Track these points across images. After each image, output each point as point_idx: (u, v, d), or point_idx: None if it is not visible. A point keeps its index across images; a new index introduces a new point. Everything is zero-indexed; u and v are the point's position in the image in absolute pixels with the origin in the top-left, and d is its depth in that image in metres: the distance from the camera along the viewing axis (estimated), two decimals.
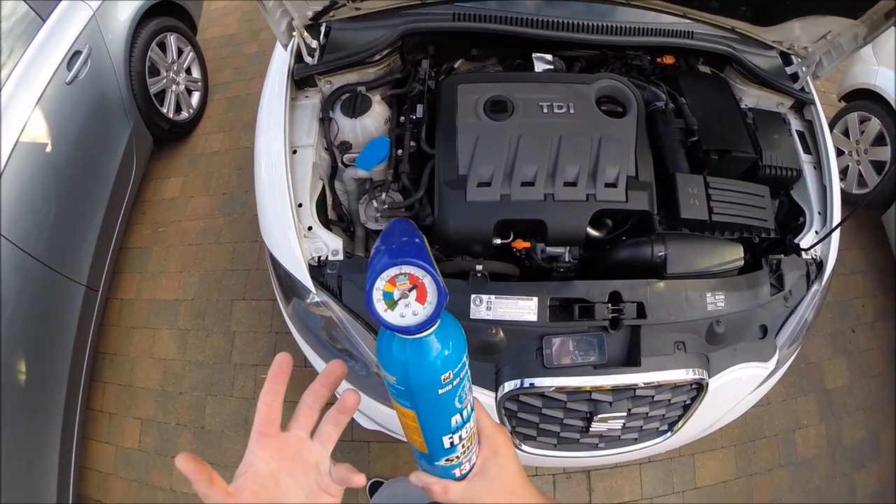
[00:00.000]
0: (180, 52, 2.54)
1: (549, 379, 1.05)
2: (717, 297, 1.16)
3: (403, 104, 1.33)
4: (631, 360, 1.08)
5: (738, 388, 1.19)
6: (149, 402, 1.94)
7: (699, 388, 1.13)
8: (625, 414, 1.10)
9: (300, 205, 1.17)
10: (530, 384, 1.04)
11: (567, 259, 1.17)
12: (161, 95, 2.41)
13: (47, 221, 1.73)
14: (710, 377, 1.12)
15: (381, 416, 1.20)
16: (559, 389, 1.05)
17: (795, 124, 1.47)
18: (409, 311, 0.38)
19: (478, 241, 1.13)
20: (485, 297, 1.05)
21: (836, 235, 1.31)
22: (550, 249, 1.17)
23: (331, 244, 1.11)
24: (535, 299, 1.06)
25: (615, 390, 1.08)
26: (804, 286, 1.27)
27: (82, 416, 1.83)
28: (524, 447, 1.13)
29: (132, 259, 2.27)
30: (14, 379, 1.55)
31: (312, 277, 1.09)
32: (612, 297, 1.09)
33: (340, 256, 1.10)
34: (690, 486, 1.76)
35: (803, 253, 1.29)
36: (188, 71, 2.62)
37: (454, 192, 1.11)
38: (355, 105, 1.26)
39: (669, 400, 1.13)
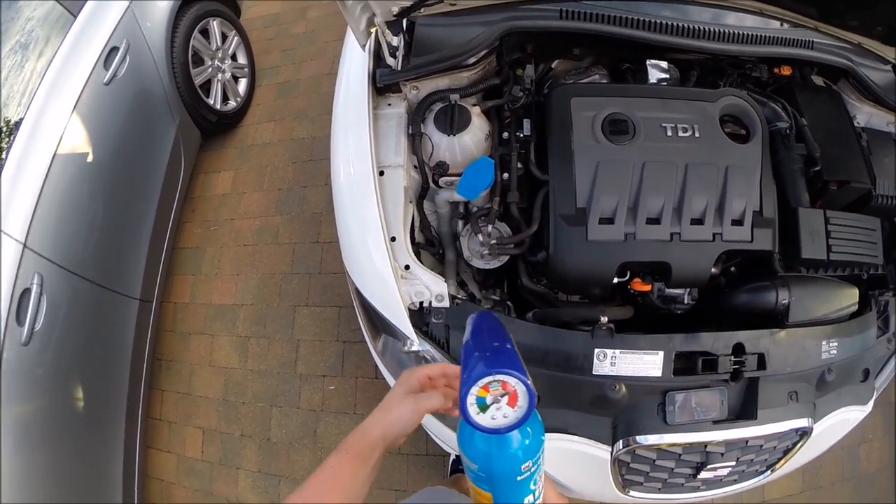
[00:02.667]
0: (224, 37, 2.18)
1: (669, 436, 0.92)
2: (831, 344, 1.02)
3: (504, 117, 1.09)
4: (747, 412, 0.96)
5: (838, 430, 1.10)
6: (210, 412, 1.78)
7: (804, 433, 1.01)
8: (734, 463, 0.99)
9: (393, 238, 0.96)
10: (650, 442, 0.91)
11: (686, 301, 1.01)
12: (206, 86, 2.09)
13: (92, 236, 1.53)
14: (815, 422, 1.01)
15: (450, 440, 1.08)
16: (677, 445, 0.92)
17: None
18: (499, 414, 0.39)
19: (597, 285, 0.95)
20: (609, 353, 0.89)
21: None
22: (669, 290, 0.99)
23: (433, 287, 0.92)
24: (661, 354, 0.90)
25: (728, 442, 0.95)
26: None
27: (143, 424, 1.70)
28: (631, 493, 1.02)
29: (184, 260, 2.02)
30: (72, 407, 1.41)
31: (413, 325, 0.90)
32: (735, 349, 0.94)
33: (446, 303, 0.91)
34: (758, 500, 1.67)
35: None
36: (233, 57, 2.26)
37: (574, 230, 0.92)
38: (453, 119, 1.02)
39: (775, 446, 1.01)
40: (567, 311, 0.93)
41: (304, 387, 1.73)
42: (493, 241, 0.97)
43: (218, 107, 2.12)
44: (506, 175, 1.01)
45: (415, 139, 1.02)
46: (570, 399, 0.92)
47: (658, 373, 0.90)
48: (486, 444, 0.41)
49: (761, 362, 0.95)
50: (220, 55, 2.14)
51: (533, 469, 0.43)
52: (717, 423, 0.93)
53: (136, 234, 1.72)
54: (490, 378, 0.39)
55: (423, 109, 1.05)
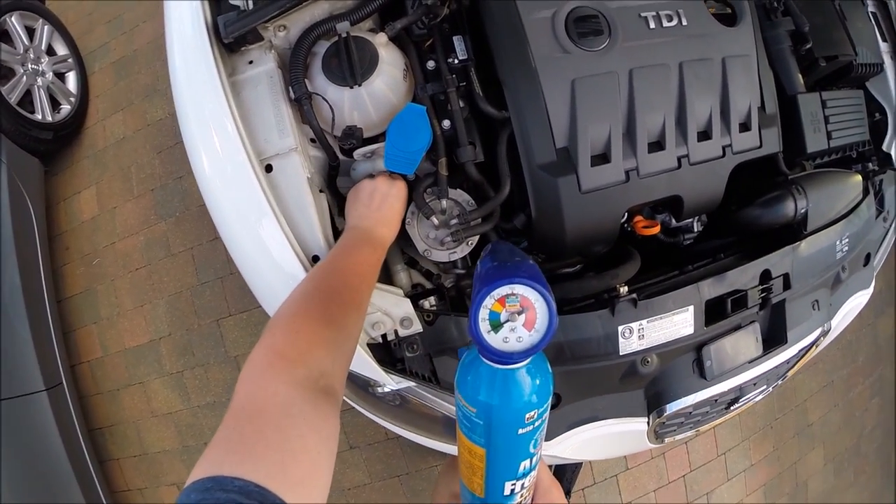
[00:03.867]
0: (31, 31, 1.58)
1: (707, 391, 0.76)
2: (843, 242, 0.88)
3: (421, 38, 0.73)
4: (778, 338, 0.82)
5: (849, 318, 1.00)
6: (175, 464, 1.49)
7: (824, 334, 0.91)
8: (765, 387, 0.87)
9: (315, 258, 0.64)
10: (689, 403, 0.74)
11: (695, 229, 0.81)
12: (27, 99, 1.55)
13: None
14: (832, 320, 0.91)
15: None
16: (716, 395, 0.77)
17: (870, 4, 1.09)
18: (513, 337, 0.32)
19: (600, 241, 0.71)
20: (635, 326, 0.67)
21: None
22: (676, 223, 0.79)
23: (395, 311, 0.63)
24: (691, 308, 0.71)
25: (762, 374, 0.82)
26: None
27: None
28: (666, 440, 0.88)
29: (77, 310, 1.59)
30: None
31: (381, 363, 0.62)
32: (762, 276, 0.77)
33: (417, 326, 0.63)
34: None
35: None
36: (50, 51, 1.65)
37: (561, 182, 0.66)
38: (351, 61, 0.65)
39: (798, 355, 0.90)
40: (573, 285, 0.69)
41: None
42: (455, 220, 0.67)
43: (49, 119, 1.57)
44: (447, 123, 0.69)
45: (302, 105, 0.65)
46: (596, 387, 0.72)
47: (690, 330, 0.71)
48: (491, 382, 0.34)
49: (786, 282, 0.79)
50: (31, 56, 1.56)
51: (537, 424, 0.36)
52: (753, 361, 0.79)
53: (6, 314, 1.32)
54: (508, 289, 0.32)
55: (303, 57, 0.67)
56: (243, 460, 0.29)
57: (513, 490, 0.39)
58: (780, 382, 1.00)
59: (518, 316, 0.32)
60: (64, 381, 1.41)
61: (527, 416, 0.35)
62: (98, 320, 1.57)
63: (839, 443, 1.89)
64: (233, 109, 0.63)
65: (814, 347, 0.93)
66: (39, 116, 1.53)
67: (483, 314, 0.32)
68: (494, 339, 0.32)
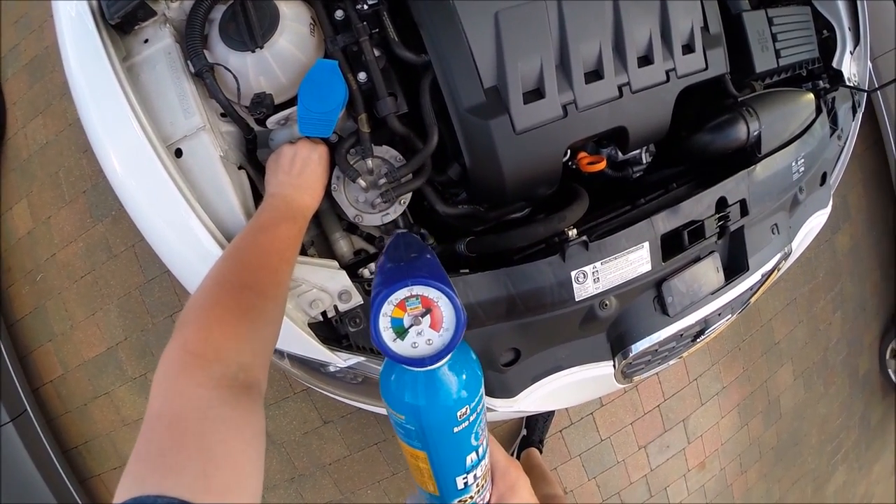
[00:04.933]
0: None
1: (671, 326, 0.70)
2: (799, 162, 0.81)
3: None
4: (739, 265, 0.76)
5: (809, 237, 0.95)
6: None
7: (785, 257, 0.86)
8: (731, 315, 0.82)
9: None
10: (654, 342, 0.69)
11: (644, 160, 0.75)
12: None
13: None
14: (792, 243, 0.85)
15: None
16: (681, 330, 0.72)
17: None
18: (421, 340, 0.29)
19: (543, 183, 0.64)
20: (588, 270, 0.61)
21: (867, 52, 0.97)
22: (623, 155, 0.71)
23: (331, 285, 0.56)
24: (646, 245, 0.64)
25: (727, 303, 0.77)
26: (851, 117, 0.95)
27: None
28: (634, 378, 0.84)
29: (30, 330, 1.48)
30: None
31: (325, 341, 0.56)
32: (718, 204, 0.70)
33: (357, 298, 0.56)
34: None
35: (847, 80, 0.94)
36: None
37: (493, 123, 0.57)
38: (249, 22, 0.55)
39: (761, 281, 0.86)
40: (517, 233, 0.62)
41: None
42: (383, 179, 0.59)
43: None
44: (363, 75, 0.59)
45: (204, 78, 0.55)
46: (556, 337, 0.66)
47: (648, 267, 0.65)
48: (414, 387, 0.30)
49: (744, 208, 0.73)
50: None
51: (472, 419, 0.33)
52: (716, 292, 0.74)
53: None
54: (406, 292, 0.28)
55: (199, 26, 0.56)
56: (165, 475, 0.27)
57: (466, 483, 0.36)
58: (744, 308, 0.96)
59: (422, 318, 0.28)
60: (28, 408, 1.34)
61: (458, 413, 0.31)
62: (53, 337, 1.46)
63: (806, 357, 1.90)
64: (130, 97, 0.54)
65: (776, 271, 0.89)
66: None
67: (384, 323, 0.28)
68: (402, 347, 0.28)
